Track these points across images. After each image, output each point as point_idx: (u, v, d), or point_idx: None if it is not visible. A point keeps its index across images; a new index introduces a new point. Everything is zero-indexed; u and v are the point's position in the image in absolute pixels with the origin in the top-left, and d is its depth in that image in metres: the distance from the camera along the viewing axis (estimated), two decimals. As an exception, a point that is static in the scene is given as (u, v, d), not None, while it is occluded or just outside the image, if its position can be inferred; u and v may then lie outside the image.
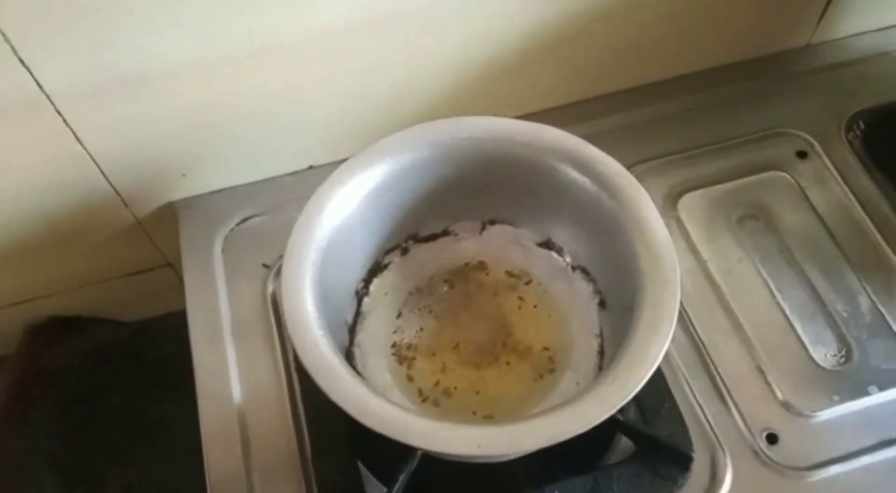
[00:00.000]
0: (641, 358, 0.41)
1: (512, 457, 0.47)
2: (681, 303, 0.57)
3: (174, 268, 0.72)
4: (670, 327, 0.41)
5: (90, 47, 0.49)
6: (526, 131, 0.49)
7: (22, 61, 0.48)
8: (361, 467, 0.53)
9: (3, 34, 0.46)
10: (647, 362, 0.40)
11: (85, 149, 0.56)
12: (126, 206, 0.63)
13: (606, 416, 0.39)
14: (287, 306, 0.42)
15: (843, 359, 0.56)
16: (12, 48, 0.47)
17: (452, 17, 0.56)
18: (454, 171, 0.51)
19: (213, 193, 0.64)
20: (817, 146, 0.66)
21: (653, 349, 0.41)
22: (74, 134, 0.55)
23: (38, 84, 0.50)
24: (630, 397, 0.39)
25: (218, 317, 0.59)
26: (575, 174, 0.48)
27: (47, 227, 0.62)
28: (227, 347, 0.57)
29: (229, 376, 0.56)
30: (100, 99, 0.53)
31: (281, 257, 0.60)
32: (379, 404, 0.40)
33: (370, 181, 0.48)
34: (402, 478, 0.48)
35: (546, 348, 0.53)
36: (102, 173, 0.59)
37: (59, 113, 0.53)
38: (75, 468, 0.71)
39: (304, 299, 0.42)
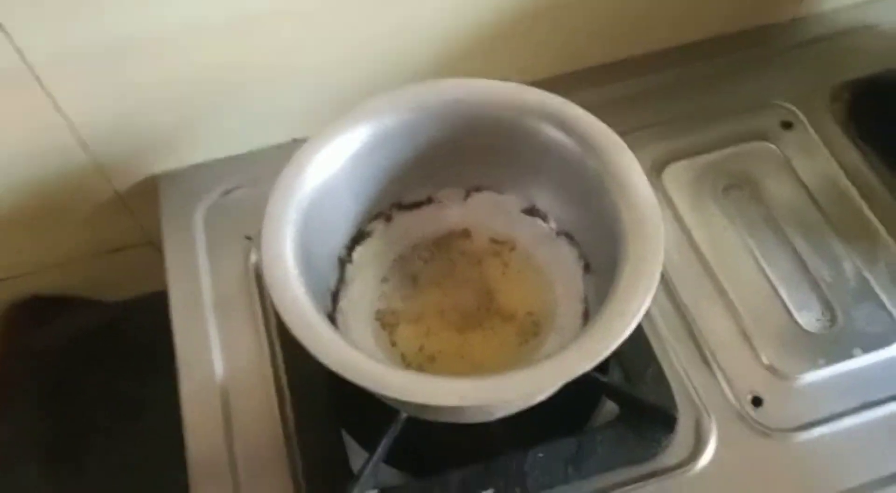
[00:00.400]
0: (623, 311, 0.40)
1: (496, 416, 0.47)
2: (665, 270, 0.58)
3: (155, 246, 0.71)
4: (653, 282, 0.41)
5: (72, 12, 0.49)
6: (509, 92, 0.49)
7: (2, 26, 0.48)
8: (346, 436, 0.53)
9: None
10: (629, 315, 0.40)
11: (65, 118, 0.55)
12: (107, 179, 0.62)
13: (588, 368, 0.39)
14: (266, 261, 0.41)
15: (828, 323, 0.56)
16: (-11, 12, 0.47)
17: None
18: (438, 133, 0.50)
19: (194, 166, 0.64)
20: (802, 117, 0.66)
21: (634, 303, 0.40)
22: (55, 103, 0.54)
23: (16, 49, 0.50)
24: (612, 349, 0.39)
25: (199, 290, 0.58)
26: (558, 134, 0.48)
27: (28, 200, 0.62)
28: (209, 320, 0.57)
29: (211, 350, 0.56)
30: (81, 66, 0.52)
31: (264, 228, 0.60)
32: (359, 358, 0.39)
33: (353, 143, 0.48)
34: (384, 442, 0.48)
35: (530, 313, 0.52)
36: (83, 145, 0.58)
37: (38, 81, 0.52)
38: (58, 449, 0.70)
39: (283, 255, 0.42)
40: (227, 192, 0.62)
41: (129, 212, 0.66)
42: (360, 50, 0.59)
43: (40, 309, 0.72)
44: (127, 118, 0.58)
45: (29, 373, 0.70)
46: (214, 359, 0.55)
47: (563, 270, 0.53)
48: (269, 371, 0.55)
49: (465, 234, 0.56)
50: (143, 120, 0.58)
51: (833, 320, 0.56)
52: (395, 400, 0.45)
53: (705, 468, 0.50)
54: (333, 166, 0.47)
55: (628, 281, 0.41)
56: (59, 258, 0.69)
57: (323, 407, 0.52)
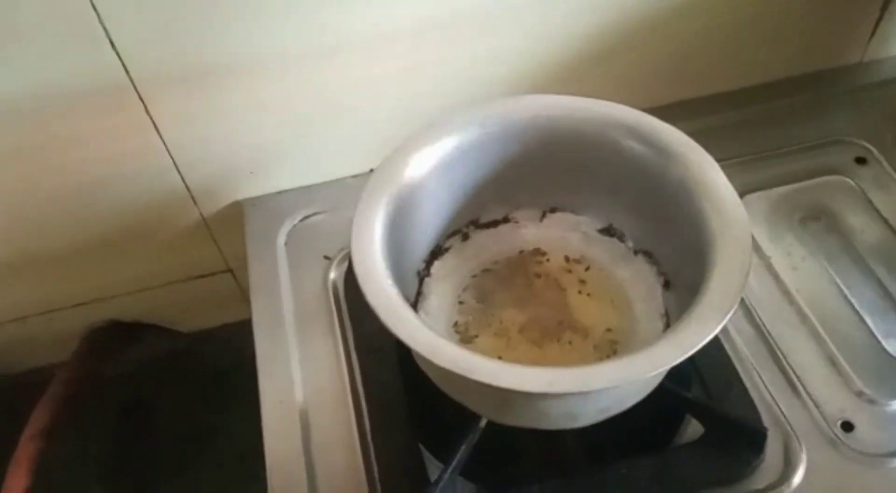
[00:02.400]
0: (716, 307, 0.40)
1: (579, 423, 0.46)
2: (746, 297, 0.58)
3: (234, 274, 0.73)
4: (743, 280, 0.41)
5: (178, 35, 0.53)
6: (588, 107, 0.50)
7: (113, 44, 0.52)
8: (423, 450, 0.52)
9: (99, 16, 0.50)
10: (722, 310, 0.40)
11: (162, 140, 0.59)
12: (195, 203, 0.65)
13: (681, 359, 0.38)
14: (355, 248, 0.43)
15: (918, 351, 0.54)
16: (105, 30, 0.51)
17: (515, 17, 0.58)
18: (518, 149, 0.52)
19: (278, 193, 0.66)
20: (876, 153, 0.66)
21: (727, 299, 0.40)
22: (154, 123, 0.57)
23: (125, 69, 0.53)
24: (705, 341, 0.38)
25: (280, 307, 0.59)
26: (639, 147, 0.49)
27: (117, 222, 0.64)
28: (289, 337, 0.58)
29: (290, 366, 0.56)
30: (180, 88, 0.56)
31: (342, 249, 0.62)
32: (447, 344, 0.40)
33: (438, 153, 0.49)
34: (462, 449, 0.48)
35: (609, 330, 0.52)
36: (176, 167, 0.61)
37: (141, 100, 0.56)
38: (124, 475, 0.71)
39: (372, 243, 0.43)
40: (308, 217, 0.64)
41: (212, 238, 0.68)
42: (445, 80, 0.61)
43: (117, 335, 0.74)
44: (218, 142, 0.61)
45: (101, 396, 0.72)
46: (294, 374, 0.56)
47: (641, 288, 0.53)
48: (346, 386, 0.55)
49: (541, 253, 0.56)
50: (233, 145, 0.61)
51: (923, 348, 0.54)
52: (479, 395, 0.45)
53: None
54: (420, 173, 0.49)
55: (720, 279, 0.41)
56: (141, 284, 0.72)
57: (400, 419, 0.52)
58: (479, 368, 0.38)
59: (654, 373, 0.39)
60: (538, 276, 0.55)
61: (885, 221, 0.62)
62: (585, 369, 0.39)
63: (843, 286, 0.58)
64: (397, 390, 0.53)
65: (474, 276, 0.55)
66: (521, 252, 0.56)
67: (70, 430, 0.70)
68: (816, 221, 0.62)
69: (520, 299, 0.54)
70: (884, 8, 0.68)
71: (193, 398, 0.74)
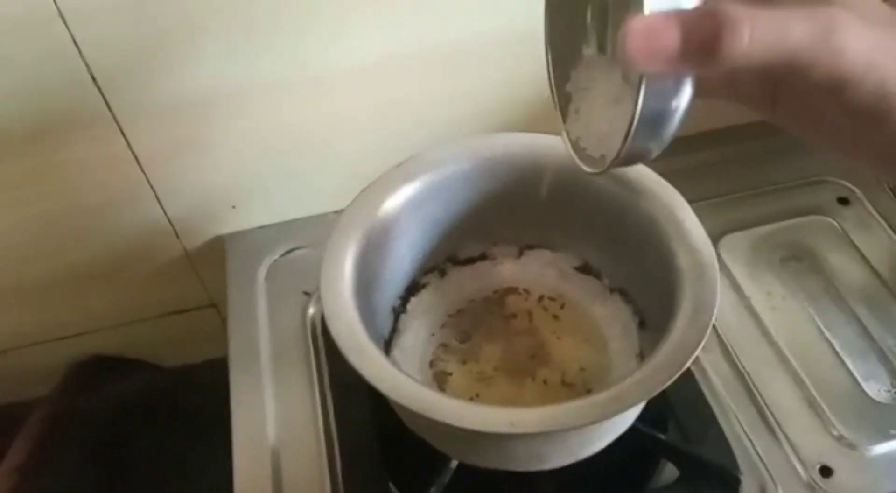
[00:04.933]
0: (682, 346, 0.40)
1: (551, 464, 0.45)
2: (725, 336, 0.57)
3: (218, 309, 0.73)
4: (711, 315, 0.40)
5: (157, 68, 0.53)
6: (561, 146, 0.50)
7: (94, 79, 0.52)
8: (395, 491, 0.51)
9: (81, 53, 0.51)
10: (688, 349, 0.39)
11: (144, 173, 0.59)
12: (177, 236, 0.65)
13: (648, 397, 0.38)
14: (323, 285, 0.43)
15: (897, 394, 0.53)
16: (87, 65, 0.51)
17: (491, 55, 0.59)
18: (493, 186, 0.52)
19: (260, 228, 0.66)
20: (858, 193, 0.66)
21: (693, 337, 0.40)
22: (136, 157, 0.58)
23: (106, 103, 0.54)
24: (670, 381, 0.38)
25: (257, 342, 0.59)
26: (611, 185, 0.49)
27: (99, 255, 0.65)
28: (265, 372, 0.57)
29: (265, 401, 0.56)
30: (160, 122, 0.56)
31: (322, 285, 0.61)
32: (412, 384, 0.39)
33: (412, 189, 0.50)
34: (433, 490, 0.47)
35: (583, 369, 0.52)
36: (158, 201, 0.61)
37: (123, 134, 0.56)
38: (102, 511, 0.70)
39: (341, 280, 0.43)
40: (289, 252, 0.65)
41: (196, 272, 0.68)
42: (424, 116, 0.62)
43: (101, 369, 0.74)
44: (200, 176, 0.61)
45: (81, 432, 0.71)
46: (267, 411, 0.55)
47: (617, 326, 0.53)
48: (320, 424, 0.54)
49: (519, 290, 0.56)
50: (215, 179, 0.62)
51: (904, 391, 0.54)
52: (447, 435, 0.45)
53: (772, 538, 0.47)
54: (392, 210, 0.49)
55: (686, 318, 0.41)
56: (124, 318, 0.71)
57: (372, 459, 0.51)
58: (442, 408, 0.38)
59: (620, 412, 0.38)
60: (514, 315, 0.55)
61: (868, 262, 0.61)
62: (548, 410, 0.38)
63: (823, 327, 0.57)
64: (371, 429, 0.53)
65: (450, 314, 0.55)
66: (498, 290, 0.56)
67: (47, 467, 0.69)
68: (798, 261, 0.62)
69: (496, 338, 0.54)
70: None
71: (174, 436, 0.73)
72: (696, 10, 0.24)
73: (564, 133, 0.38)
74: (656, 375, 0.39)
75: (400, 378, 0.39)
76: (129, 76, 0.53)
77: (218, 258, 0.66)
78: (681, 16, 0.24)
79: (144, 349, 0.75)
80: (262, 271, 0.63)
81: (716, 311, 0.40)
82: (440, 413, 0.38)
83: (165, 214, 0.63)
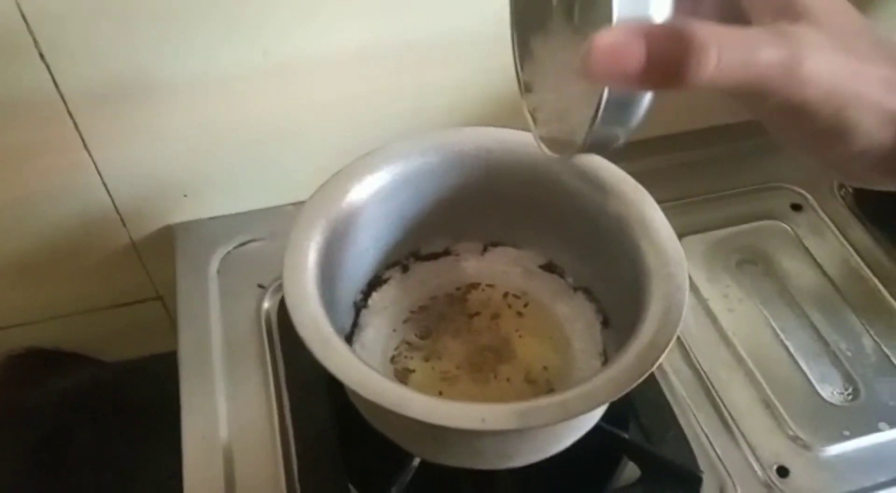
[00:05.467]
0: (651, 343, 0.39)
1: (515, 463, 0.44)
2: (683, 337, 0.58)
3: (164, 302, 0.70)
4: (680, 315, 0.40)
5: (110, 50, 0.51)
6: (529, 141, 0.50)
7: (42, 56, 0.49)
8: (353, 491, 0.50)
9: (28, 26, 0.48)
10: (659, 347, 0.39)
11: (91, 157, 0.56)
12: (124, 225, 0.62)
13: (618, 396, 0.37)
14: (286, 274, 0.41)
15: (850, 396, 0.55)
16: (35, 41, 0.49)
17: (462, 50, 0.58)
18: (459, 181, 0.51)
19: (212, 219, 0.64)
20: (811, 200, 0.68)
21: (663, 336, 0.40)
22: (83, 140, 0.55)
23: (54, 83, 0.51)
24: (642, 378, 0.38)
25: (209, 335, 0.57)
26: (579, 182, 0.49)
27: (40, 242, 0.61)
28: (216, 367, 0.55)
29: (217, 398, 0.54)
30: (112, 106, 0.54)
31: (278, 278, 0.59)
32: (380, 379, 0.38)
33: (378, 181, 0.48)
34: (394, 490, 0.46)
35: (546, 367, 0.51)
36: (105, 186, 0.59)
37: (70, 116, 0.53)
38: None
39: (304, 270, 0.41)
40: (243, 244, 0.62)
41: (142, 263, 0.65)
42: (390, 109, 0.60)
43: (36, 363, 0.70)
44: (150, 163, 0.58)
45: (18, 429, 0.67)
46: (219, 408, 0.53)
47: (580, 325, 0.52)
48: (275, 422, 0.52)
49: (482, 287, 0.55)
50: (166, 167, 0.59)
51: (856, 393, 0.55)
52: (412, 432, 0.43)
53: (731, 537, 0.47)
54: (358, 201, 0.47)
55: (656, 316, 0.41)
56: (63, 310, 0.68)
57: (330, 458, 0.50)
58: (412, 403, 0.37)
59: (590, 410, 0.38)
60: (477, 312, 0.54)
61: (820, 267, 0.63)
62: (521, 406, 0.38)
63: (778, 330, 0.58)
64: (328, 427, 0.51)
65: (413, 310, 0.54)
66: (461, 286, 0.55)
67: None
68: (753, 264, 0.63)
69: (459, 334, 0.53)
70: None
71: (115, 432, 0.69)
72: (664, 28, 0.24)
73: (528, 114, 0.37)
74: (627, 373, 0.38)
75: (367, 373, 0.38)
76: (79, 55, 0.50)
77: (166, 249, 0.63)
78: (648, 34, 0.23)
79: (84, 343, 0.72)
80: (215, 263, 0.61)
81: (685, 309, 0.40)
82: (411, 409, 0.36)
83: (112, 201, 0.60)
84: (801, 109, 0.26)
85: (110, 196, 0.59)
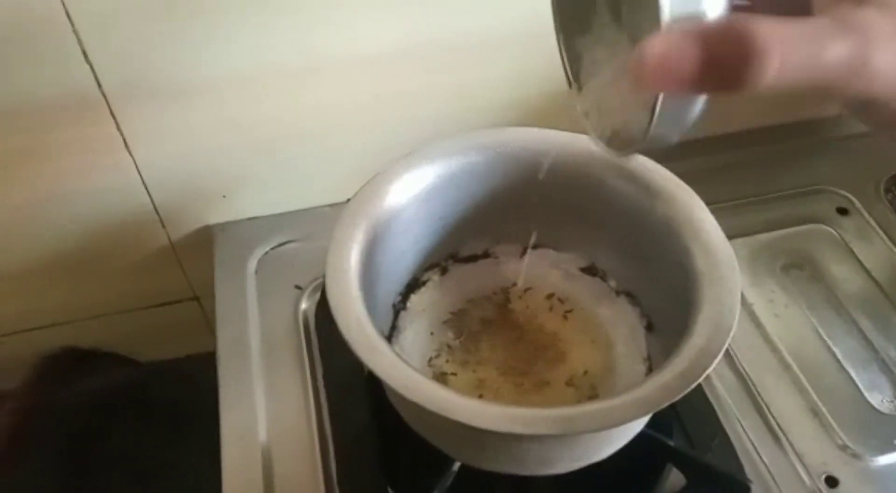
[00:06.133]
0: (703, 350, 0.38)
1: (557, 469, 0.44)
2: (729, 343, 0.56)
3: (201, 302, 0.70)
4: (732, 320, 0.39)
5: (152, 49, 0.51)
6: (573, 142, 0.49)
7: (86, 55, 0.50)
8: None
9: (73, 25, 0.48)
10: (711, 354, 0.38)
11: (132, 156, 0.56)
12: (163, 225, 0.62)
13: (667, 403, 0.36)
14: (329, 275, 0.40)
15: (901, 405, 0.53)
16: (79, 40, 0.49)
17: (499, 49, 0.58)
18: (500, 182, 0.50)
19: (249, 219, 0.64)
20: (857, 204, 0.66)
21: (716, 341, 0.39)
22: (124, 139, 0.55)
23: (97, 82, 0.51)
24: (695, 384, 0.37)
25: (247, 337, 0.57)
26: (625, 184, 0.48)
27: (80, 242, 0.62)
28: (255, 369, 0.55)
29: (255, 399, 0.53)
30: (153, 105, 0.54)
31: (315, 279, 0.59)
32: (424, 382, 0.37)
33: (419, 181, 0.48)
34: (435, 494, 0.45)
35: (588, 372, 0.50)
36: (145, 186, 0.59)
37: (112, 115, 0.53)
38: (72, 510, 0.66)
39: (347, 271, 0.41)
40: (280, 245, 0.62)
41: (179, 263, 0.65)
42: (427, 110, 0.60)
43: (73, 362, 0.70)
44: (190, 163, 0.58)
45: (53, 427, 0.68)
46: (258, 409, 0.53)
47: (623, 329, 0.51)
48: (314, 423, 0.52)
49: (522, 290, 0.54)
50: (206, 166, 0.59)
51: (906, 401, 0.53)
52: (454, 436, 0.43)
53: (780, 549, 0.46)
54: (399, 202, 0.47)
55: (708, 320, 0.40)
56: (101, 309, 0.68)
57: (369, 460, 0.49)
58: (458, 407, 0.36)
59: (640, 416, 0.37)
60: (518, 314, 0.53)
61: (868, 272, 0.61)
62: (567, 411, 0.37)
63: (825, 336, 0.57)
64: (367, 429, 0.51)
65: (452, 312, 0.53)
66: (501, 289, 0.55)
67: (17, 462, 0.66)
68: (799, 269, 0.62)
69: (498, 338, 0.52)
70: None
71: (149, 432, 0.70)
72: (720, 28, 0.22)
73: (581, 115, 0.36)
74: (677, 380, 0.37)
75: (412, 375, 0.37)
76: (122, 54, 0.50)
77: (203, 249, 0.63)
78: (704, 35, 0.22)
79: (120, 342, 0.72)
80: (252, 264, 0.61)
81: (737, 315, 0.39)
82: (456, 413, 0.36)
83: (152, 201, 0.60)
84: (870, 103, 0.25)
85: (150, 196, 0.59)
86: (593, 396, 0.49)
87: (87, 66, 0.50)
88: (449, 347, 0.51)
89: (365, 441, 0.50)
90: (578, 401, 0.49)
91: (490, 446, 0.42)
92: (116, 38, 0.49)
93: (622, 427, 0.42)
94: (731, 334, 0.39)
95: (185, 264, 0.66)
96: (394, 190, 0.47)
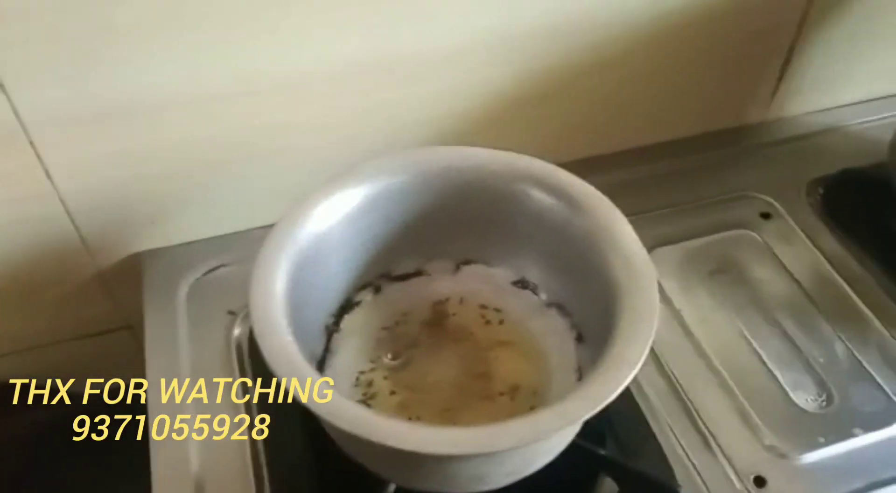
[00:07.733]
0: (623, 360, 0.39)
1: (489, 485, 0.44)
2: (658, 349, 0.58)
3: (133, 331, 0.69)
4: (651, 330, 0.40)
5: (72, 75, 0.50)
6: (499, 159, 0.50)
7: (2, 85, 0.49)
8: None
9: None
10: (631, 362, 0.39)
11: (54, 186, 0.55)
12: (90, 255, 0.61)
13: (590, 414, 0.37)
14: (253, 301, 0.40)
15: (824, 403, 0.55)
16: (-8, 70, 0.48)
17: (431, 69, 0.58)
18: (428, 200, 0.51)
19: (180, 245, 0.63)
20: (780, 208, 0.68)
21: (635, 351, 0.39)
22: (45, 169, 0.54)
23: (13, 110, 0.50)
24: (615, 394, 0.38)
25: (178, 364, 0.56)
26: (547, 198, 0.49)
27: (2, 272, 0.60)
28: (186, 396, 0.54)
29: (186, 428, 0.52)
30: (75, 132, 0.53)
31: (248, 304, 0.59)
32: (350, 406, 0.37)
33: (347, 203, 0.48)
34: (370, 517, 0.45)
35: (521, 385, 0.51)
36: (69, 215, 0.58)
37: (31, 144, 0.52)
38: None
39: (272, 297, 0.41)
40: (212, 270, 0.61)
41: (109, 292, 0.64)
42: (358, 130, 0.60)
43: (4, 396, 0.68)
44: (116, 190, 0.57)
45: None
46: (190, 439, 0.52)
47: (555, 341, 0.52)
48: (247, 451, 0.51)
49: (455, 306, 0.55)
50: (133, 193, 0.58)
51: (829, 399, 0.55)
52: (384, 458, 0.43)
53: (711, 551, 0.47)
54: (327, 224, 0.47)
55: (627, 330, 0.41)
56: (30, 342, 0.66)
57: (304, 487, 0.49)
58: (381, 430, 0.36)
59: (563, 429, 0.37)
60: (451, 330, 0.54)
61: (790, 275, 0.63)
62: (492, 428, 0.37)
63: (750, 338, 0.58)
64: (302, 456, 0.50)
65: (385, 328, 0.53)
66: (434, 304, 0.55)
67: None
68: (725, 274, 0.63)
69: (432, 355, 0.52)
70: (783, 69, 0.71)
71: (80, 466, 0.68)
72: None
73: None
74: (599, 390, 0.38)
75: (337, 400, 0.37)
76: (39, 83, 0.49)
77: (134, 277, 0.62)
78: None
79: (52, 374, 0.70)
80: (184, 290, 0.60)
81: (656, 323, 0.40)
82: (380, 435, 0.36)
83: (77, 230, 0.59)
84: None
85: (75, 225, 0.58)
86: (531, 408, 0.50)
87: (3, 96, 0.49)
88: (382, 366, 0.51)
89: (300, 468, 0.50)
90: (515, 414, 0.49)
91: (421, 466, 0.42)
92: (32, 63, 0.48)
93: (549, 440, 0.43)
94: (650, 343, 0.40)
95: (115, 292, 0.65)
96: (320, 212, 0.47)
